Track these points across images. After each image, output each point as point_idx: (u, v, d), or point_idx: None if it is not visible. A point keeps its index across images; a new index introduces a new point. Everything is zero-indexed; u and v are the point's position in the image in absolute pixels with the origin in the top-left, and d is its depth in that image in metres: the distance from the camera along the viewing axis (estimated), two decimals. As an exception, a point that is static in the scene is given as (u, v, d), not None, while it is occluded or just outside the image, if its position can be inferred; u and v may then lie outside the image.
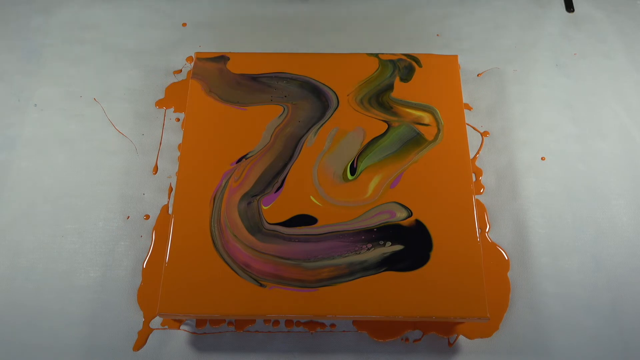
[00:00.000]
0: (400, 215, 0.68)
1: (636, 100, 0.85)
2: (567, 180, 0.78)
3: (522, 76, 0.86)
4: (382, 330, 0.68)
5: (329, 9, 0.93)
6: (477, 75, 0.87)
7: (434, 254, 0.66)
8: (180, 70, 0.86)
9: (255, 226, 0.68)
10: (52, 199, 0.76)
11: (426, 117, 0.75)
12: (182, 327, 0.69)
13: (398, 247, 0.66)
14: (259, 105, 0.76)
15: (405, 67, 0.79)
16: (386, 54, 0.80)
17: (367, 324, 0.69)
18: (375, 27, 0.91)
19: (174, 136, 0.81)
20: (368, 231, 0.67)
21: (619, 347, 0.68)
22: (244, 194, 0.70)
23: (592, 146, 0.81)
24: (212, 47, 0.86)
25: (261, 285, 0.64)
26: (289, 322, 0.69)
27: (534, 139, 0.81)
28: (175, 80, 0.86)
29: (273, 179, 0.71)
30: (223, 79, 0.78)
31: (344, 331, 0.69)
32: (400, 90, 0.77)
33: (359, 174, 0.71)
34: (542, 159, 0.80)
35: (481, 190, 0.78)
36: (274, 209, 0.69)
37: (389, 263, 0.65)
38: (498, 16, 0.92)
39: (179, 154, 0.78)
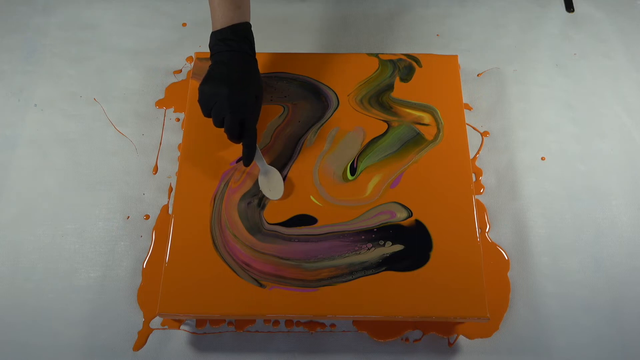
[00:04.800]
0: (400, 215, 0.68)
1: (636, 100, 0.85)
2: (567, 180, 0.78)
3: (522, 76, 0.87)
4: (382, 330, 0.68)
5: (329, 9, 0.93)
6: (477, 75, 0.87)
7: (434, 254, 0.66)
8: (180, 70, 0.86)
9: (255, 226, 0.68)
10: (52, 199, 0.76)
11: (426, 117, 0.75)
12: (182, 327, 0.69)
13: (398, 247, 0.66)
14: (259, 105, 0.76)
15: (405, 67, 0.79)
16: (386, 54, 0.80)
17: (367, 324, 0.69)
18: (375, 27, 0.91)
19: (174, 136, 0.81)
20: (368, 231, 0.67)
21: (619, 347, 0.68)
22: (244, 194, 0.70)
23: (592, 146, 0.81)
24: (212, 47, 0.86)
25: (261, 285, 0.64)
26: (289, 322, 0.69)
27: (534, 139, 0.81)
28: (175, 80, 0.86)
29: (273, 179, 0.71)
30: (223, 79, 0.77)
31: (344, 331, 0.69)
32: (400, 90, 0.77)
33: (359, 174, 0.71)
34: (542, 159, 0.80)
35: (481, 190, 0.78)
36: (274, 209, 0.69)
37: (389, 263, 0.65)
38: (498, 16, 0.93)
39: (179, 154, 0.78)
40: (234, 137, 0.66)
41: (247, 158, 0.67)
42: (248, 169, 0.71)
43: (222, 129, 0.66)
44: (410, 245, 0.66)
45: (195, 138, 0.73)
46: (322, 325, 0.69)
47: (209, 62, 0.78)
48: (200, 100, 0.66)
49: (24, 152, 0.80)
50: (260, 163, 0.70)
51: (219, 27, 0.67)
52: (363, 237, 0.67)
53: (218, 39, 0.66)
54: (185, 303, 0.64)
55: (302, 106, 0.76)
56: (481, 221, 0.75)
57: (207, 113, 0.66)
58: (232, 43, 0.66)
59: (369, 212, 0.68)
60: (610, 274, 0.72)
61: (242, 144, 0.67)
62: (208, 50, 0.84)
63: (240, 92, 0.65)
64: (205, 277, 0.65)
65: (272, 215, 0.68)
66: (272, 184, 0.69)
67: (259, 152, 0.69)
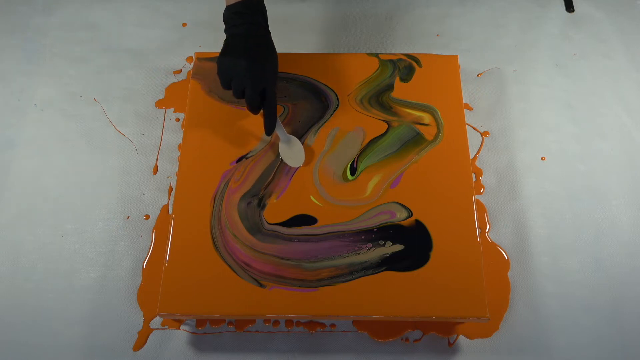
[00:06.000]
0: (400, 215, 0.68)
1: (636, 100, 0.85)
2: (567, 180, 0.78)
3: (522, 76, 0.87)
4: (382, 330, 0.68)
5: (329, 9, 0.93)
6: (477, 75, 0.87)
7: (434, 254, 0.66)
8: (180, 70, 0.86)
9: (255, 226, 0.68)
10: (52, 199, 0.76)
11: (426, 117, 0.75)
12: (182, 327, 0.69)
13: (398, 247, 0.66)
14: (259, 105, 0.76)
15: (405, 67, 0.79)
16: (386, 54, 0.80)
17: (367, 324, 0.69)
18: (375, 27, 0.91)
19: (174, 136, 0.81)
20: (368, 231, 0.67)
21: (619, 347, 0.68)
22: (244, 194, 0.70)
23: (592, 146, 0.81)
24: (212, 47, 0.86)
25: (261, 285, 0.64)
26: (289, 322, 0.69)
27: (534, 139, 0.81)
28: (175, 80, 0.86)
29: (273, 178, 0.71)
30: (223, 79, 0.78)
31: (344, 331, 0.69)
32: (400, 90, 0.77)
33: (359, 174, 0.71)
34: (542, 159, 0.80)
35: (481, 190, 0.78)
36: (274, 209, 0.69)
37: (389, 263, 0.65)
38: (498, 16, 0.92)
39: (179, 154, 0.78)
40: (255, 107, 0.67)
41: (269, 127, 0.68)
42: (249, 167, 0.71)
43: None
44: (410, 245, 0.66)
45: (195, 138, 0.73)
46: (322, 325, 0.69)
47: (209, 62, 0.78)
48: (219, 73, 0.67)
49: (24, 152, 0.80)
50: (281, 132, 0.71)
51: (232, 1, 0.68)
52: (363, 237, 0.67)
53: (233, 12, 0.67)
54: (185, 303, 0.64)
55: (302, 106, 0.76)
56: (481, 221, 0.75)
57: (226, 85, 0.67)
58: (247, 16, 0.67)
59: (369, 212, 0.68)
60: (610, 274, 0.72)
61: (263, 114, 0.68)
62: (208, 50, 0.85)
63: (259, 63, 0.66)
64: (205, 277, 0.65)
65: (272, 215, 0.68)
66: (293, 152, 0.71)
67: (278, 121, 0.70)
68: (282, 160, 0.72)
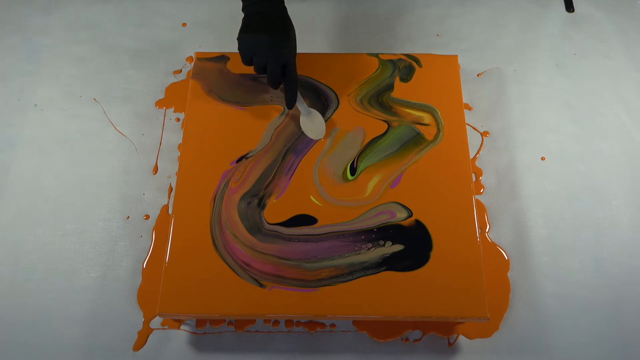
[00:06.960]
0: (400, 215, 0.68)
1: (636, 100, 0.85)
2: (567, 180, 0.78)
3: (522, 76, 0.87)
4: (382, 330, 0.68)
5: (329, 9, 0.93)
6: (477, 75, 0.87)
7: (434, 254, 0.66)
8: (180, 70, 0.86)
9: (255, 226, 0.68)
10: (52, 199, 0.76)
11: (426, 117, 0.75)
12: (182, 327, 0.69)
13: (398, 247, 0.66)
14: (259, 105, 0.76)
15: (405, 67, 0.79)
16: (386, 54, 0.80)
17: (367, 324, 0.69)
18: (375, 27, 0.91)
19: (174, 136, 0.81)
20: (368, 231, 0.67)
21: (619, 347, 0.68)
22: (244, 194, 0.70)
23: (592, 146, 0.81)
24: (212, 47, 0.86)
25: (261, 285, 0.64)
26: (289, 322, 0.69)
27: (534, 139, 0.81)
28: (175, 80, 0.86)
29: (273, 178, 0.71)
30: (223, 79, 0.78)
31: (344, 331, 0.69)
32: (400, 90, 0.77)
33: (359, 173, 0.71)
34: (542, 159, 0.80)
35: (481, 190, 0.78)
36: (274, 209, 0.69)
37: (389, 263, 0.65)
38: (498, 16, 0.93)
39: (179, 154, 0.78)
40: (276, 82, 0.69)
41: (291, 101, 0.70)
42: (249, 167, 0.71)
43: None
44: (410, 245, 0.66)
45: (195, 138, 0.73)
46: (322, 325, 0.69)
47: (209, 62, 0.78)
48: (240, 49, 0.68)
49: (24, 152, 0.80)
50: (301, 105, 0.72)
51: None
52: (363, 237, 0.67)
53: None
54: (185, 303, 0.64)
55: (302, 106, 0.76)
56: (481, 221, 0.75)
57: (247, 61, 0.68)
58: None
59: (369, 212, 0.68)
60: (610, 274, 0.72)
61: (284, 88, 0.70)
62: (208, 50, 0.85)
63: (279, 38, 0.67)
64: (205, 277, 0.65)
65: (272, 215, 0.68)
66: (314, 125, 0.73)
67: (299, 95, 0.71)
68: (284, 157, 0.72)
